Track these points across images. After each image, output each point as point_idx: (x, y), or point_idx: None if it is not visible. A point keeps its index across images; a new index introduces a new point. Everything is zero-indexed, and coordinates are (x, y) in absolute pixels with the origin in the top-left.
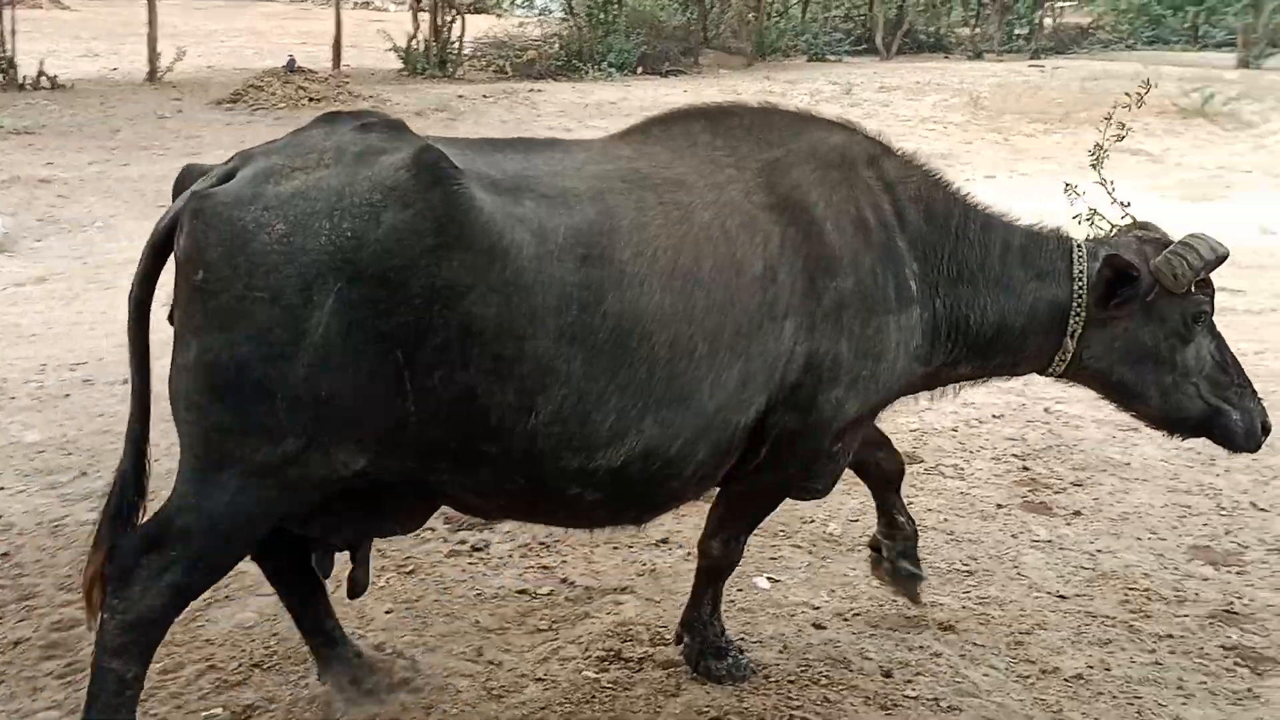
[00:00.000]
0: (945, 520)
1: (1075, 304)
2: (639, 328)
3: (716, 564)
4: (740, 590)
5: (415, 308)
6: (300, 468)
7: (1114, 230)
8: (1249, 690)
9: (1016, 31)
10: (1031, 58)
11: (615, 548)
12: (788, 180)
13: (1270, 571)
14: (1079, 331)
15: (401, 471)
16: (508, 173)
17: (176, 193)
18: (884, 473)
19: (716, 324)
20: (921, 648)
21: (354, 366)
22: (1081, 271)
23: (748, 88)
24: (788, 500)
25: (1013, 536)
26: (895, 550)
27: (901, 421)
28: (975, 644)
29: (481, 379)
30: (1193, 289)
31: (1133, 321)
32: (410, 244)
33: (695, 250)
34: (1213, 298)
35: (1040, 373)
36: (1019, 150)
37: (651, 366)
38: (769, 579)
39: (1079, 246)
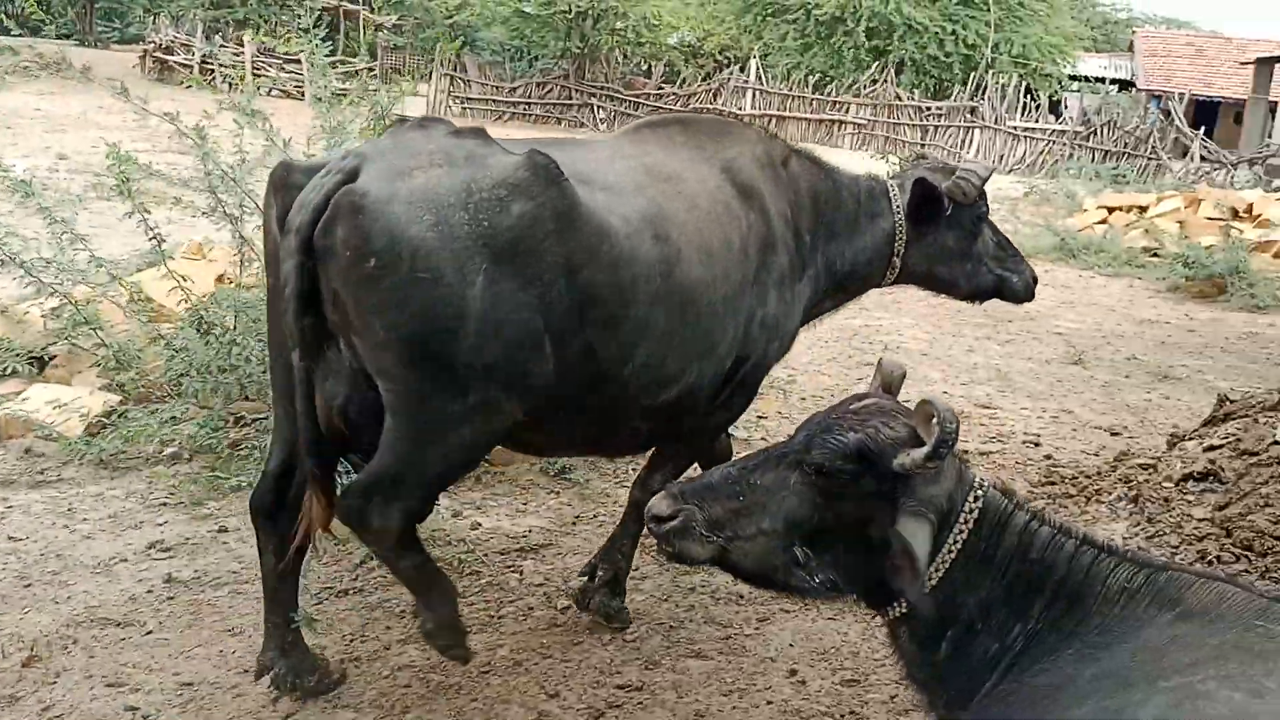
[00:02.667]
0: None
1: (898, 229)
2: (693, 293)
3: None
4: None
5: (545, 281)
6: (483, 418)
7: (903, 166)
8: None
9: None
10: None
11: None
12: (744, 175)
13: None
14: (902, 250)
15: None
16: (572, 168)
17: (278, 188)
18: None
19: (726, 290)
20: None
21: (507, 332)
22: (899, 204)
23: None
24: None
25: None
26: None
27: None
28: None
29: (596, 337)
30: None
31: (939, 232)
32: (536, 229)
33: (709, 231)
34: (986, 201)
35: (877, 286)
36: None
37: (697, 323)
38: None
39: (891, 184)
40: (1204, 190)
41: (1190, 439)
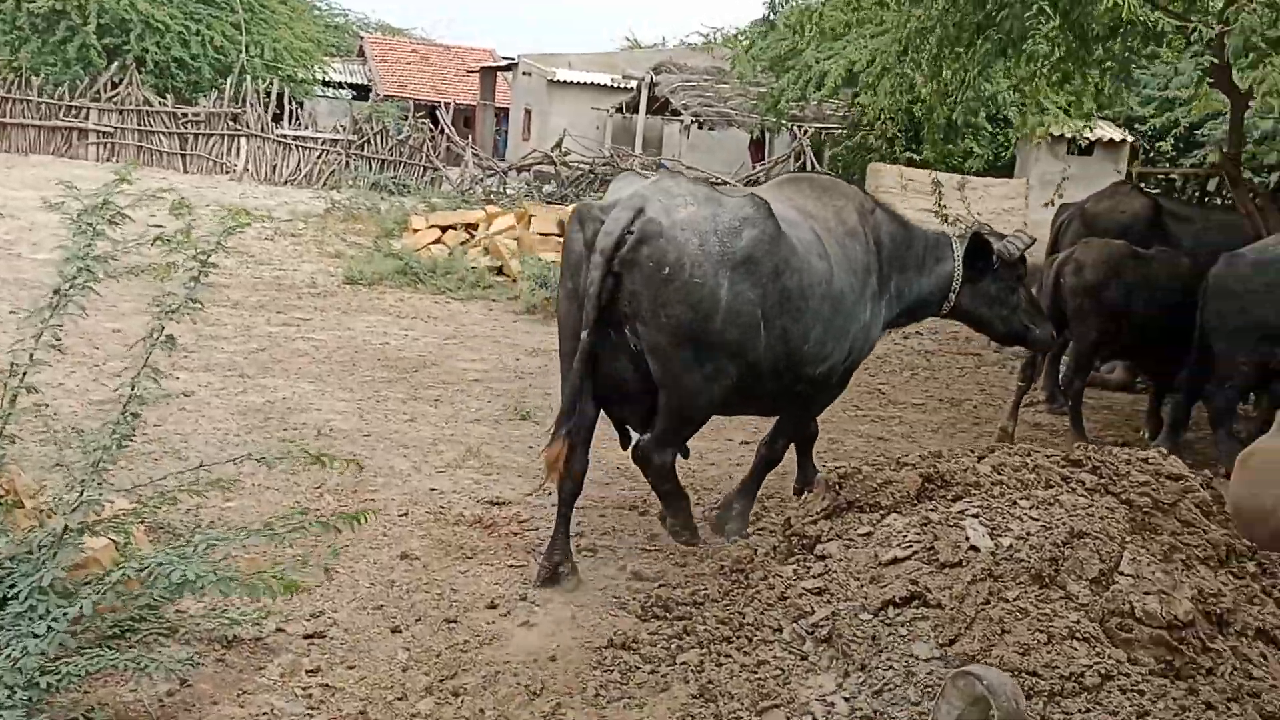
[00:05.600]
0: None
1: (956, 272)
2: (841, 296)
3: (770, 459)
4: None
5: (762, 282)
6: (718, 382)
7: (964, 228)
8: None
9: None
10: None
11: None
12: (850, 219)
13: None
14: (958, 289)
15: (740, 386)
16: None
17: (583, 220)
18: None
19: (853, 298)
20: None
21: (741, 319)
22: (958, 254)
23: None
24: None
25: None
26: None
27: None
28: None
29: (789, 322)
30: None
31: (986, 281)
32: (760, 247)
33: (842, 254)
34: (1026, 266)
35: (936, 315)
36: None
37: (842, 316)
38: None
39: (955, 237)
40: (534, 206)
41: (829, 540)
